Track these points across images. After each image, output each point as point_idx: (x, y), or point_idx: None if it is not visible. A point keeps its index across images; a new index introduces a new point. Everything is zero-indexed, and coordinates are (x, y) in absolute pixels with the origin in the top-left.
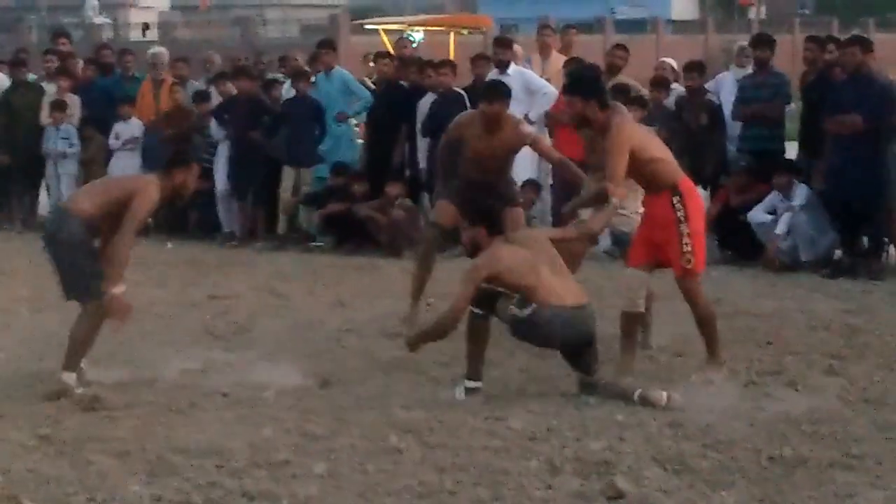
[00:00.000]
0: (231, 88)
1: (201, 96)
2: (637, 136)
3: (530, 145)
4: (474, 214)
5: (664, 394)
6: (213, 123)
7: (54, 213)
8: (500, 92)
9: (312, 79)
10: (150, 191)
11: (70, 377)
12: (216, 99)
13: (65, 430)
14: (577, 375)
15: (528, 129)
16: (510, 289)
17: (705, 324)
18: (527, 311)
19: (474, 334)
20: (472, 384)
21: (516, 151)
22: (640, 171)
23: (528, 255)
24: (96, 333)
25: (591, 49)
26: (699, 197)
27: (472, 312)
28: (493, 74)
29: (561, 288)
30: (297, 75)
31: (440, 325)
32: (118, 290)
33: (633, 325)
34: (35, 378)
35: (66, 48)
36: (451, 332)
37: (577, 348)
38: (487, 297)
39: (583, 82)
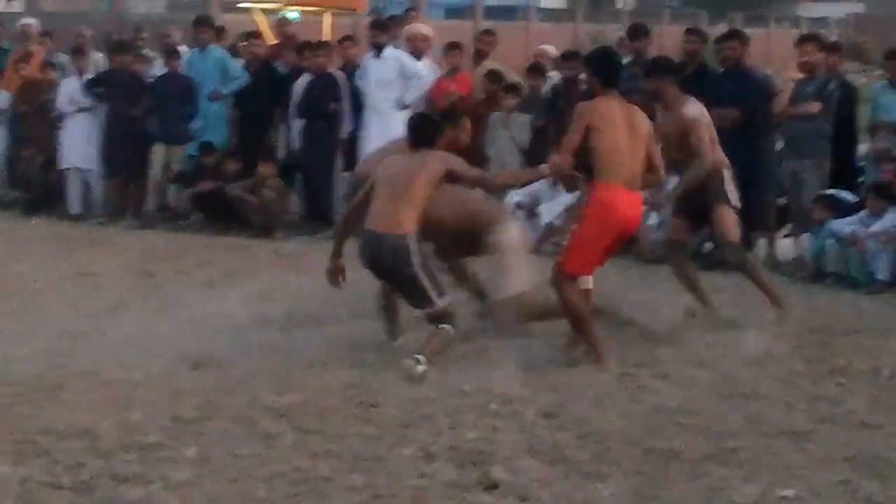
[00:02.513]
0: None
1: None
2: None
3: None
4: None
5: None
6: (60, 96)
7: None
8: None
9: (185, 55)
10: None
11: None
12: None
13: None
14: None
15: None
16: None
17: (571, 322)
18: None
19: None
20: None
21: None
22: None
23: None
24: None
25: (460, 35)
26: (609, 208)
27: None
28: (368, 57)
29: (374, 211)
30: (170, 52)
31: None
32: None
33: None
34: None
35: None
36: None
37: (384, 276)
38: None
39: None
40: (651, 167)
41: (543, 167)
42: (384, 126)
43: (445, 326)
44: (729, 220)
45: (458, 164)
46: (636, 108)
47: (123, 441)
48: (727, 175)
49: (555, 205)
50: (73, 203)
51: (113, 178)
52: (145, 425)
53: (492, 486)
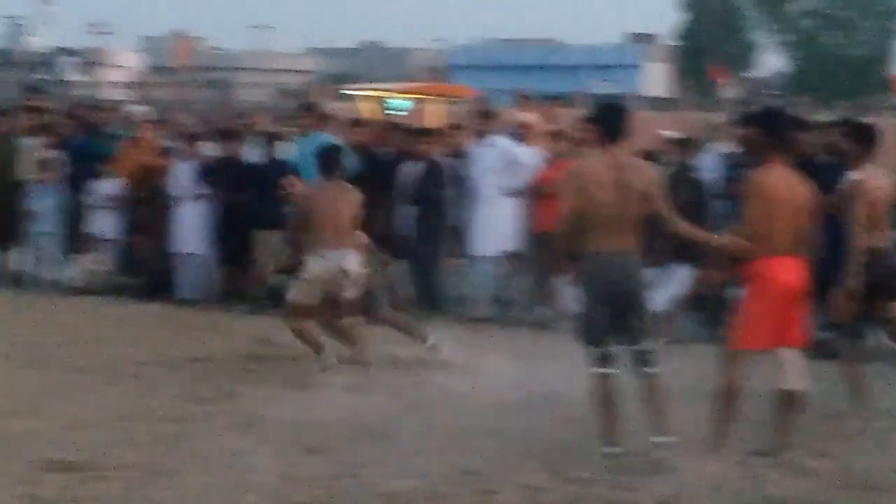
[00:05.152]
0: (202, 149)
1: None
2: None
3: None
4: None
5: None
6: (172, 182)
7: None
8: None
9: (289, 142)
10: None
11: None
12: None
13: None
14: None
15: None
16: None
17: (719, 397)
18: None
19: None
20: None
21: None
22: None
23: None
24: None
25: (564, 121)
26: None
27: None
28: (475, 144)
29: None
30: (270, 138)
31: None
32: None
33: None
34: None
35: (44, 104)
36: None
37: (618, 301)
38: None
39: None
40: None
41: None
42: (491, 212)
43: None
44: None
45: None
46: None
47: None
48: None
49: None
50: (185, 288)
51: (223, 264)
52: None
53: None
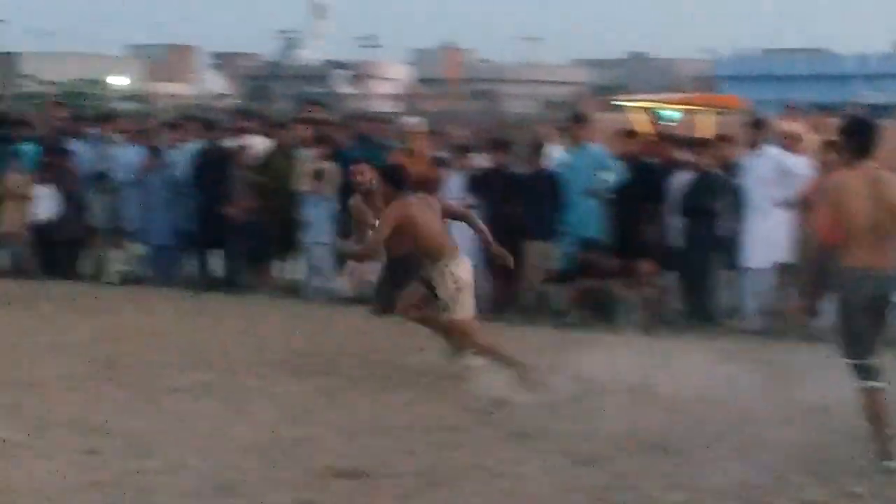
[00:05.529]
0: (472, 160)
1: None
2: None
3: None
4: None
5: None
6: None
7: None
8: None
9: (558, 152)
10: None
11: None
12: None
13: None
14: None
15: None
16: None
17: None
18: None
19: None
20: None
21: None
22: None
23: None
24: None
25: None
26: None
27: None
28: (747, 155)
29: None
30: (538, 149)
31: None
32: None
33: None
34: None
35: (320, 116)
36: None
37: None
38: None
39: None
40: None
41: None
42: (763, 223)
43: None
44: None
45: None
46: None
47: None
48: None
49: None
50: None
51: (492, 274)
52: None
53: None
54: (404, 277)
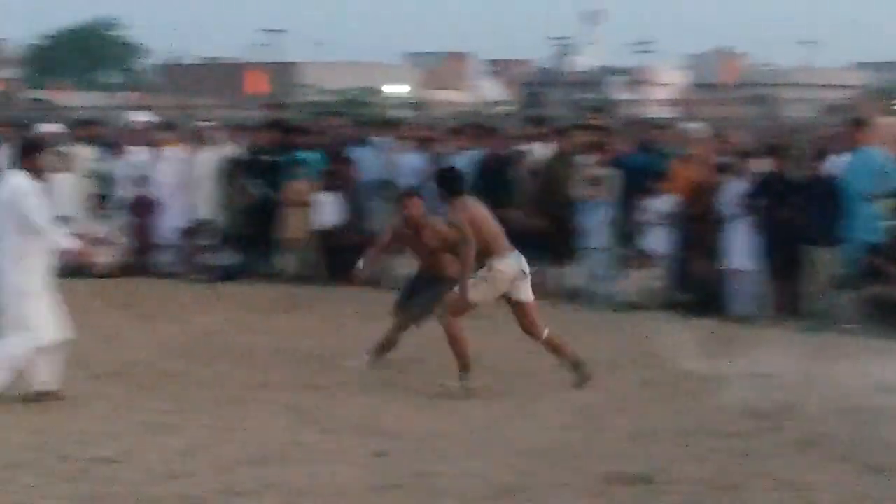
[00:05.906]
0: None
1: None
2: None
3: None
4: None
5: None
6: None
7: None
8: None
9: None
10: None
11: None
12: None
13: None
14: None
15: None
16: None
17: None
18: None
19: None
20: None
21: None
22: None
23: None
24: None
25: None
26: None
27: None
28: None
29: None
30: (819, 154)
31: None
32: None
33: None
34: None
35: (601, 123)
36: None
37: None
38: None
39: None
40: None
41: None
42: None
43: None
44: None
45: None
46: None
47: None
48: None
49: None
50: (736, 304)
51: (774, 280)
52: None
53: None
54: (425, 291)
